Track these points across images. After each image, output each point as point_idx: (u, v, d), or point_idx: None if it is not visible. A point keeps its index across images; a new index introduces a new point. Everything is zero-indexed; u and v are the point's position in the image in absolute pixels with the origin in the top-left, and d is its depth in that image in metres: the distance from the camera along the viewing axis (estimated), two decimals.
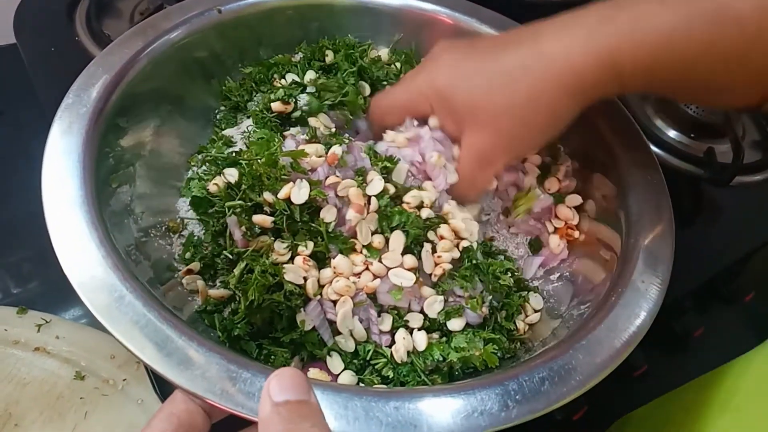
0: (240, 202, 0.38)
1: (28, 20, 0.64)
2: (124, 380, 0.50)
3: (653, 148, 0.61)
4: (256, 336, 0.37)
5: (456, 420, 0.29)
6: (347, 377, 0.37)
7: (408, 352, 0.37)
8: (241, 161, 0.40)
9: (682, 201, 0.59)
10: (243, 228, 0.38)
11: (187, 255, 0.40)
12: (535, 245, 0.47)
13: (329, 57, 0.52)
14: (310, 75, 0.51)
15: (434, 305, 0.39)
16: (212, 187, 0.40)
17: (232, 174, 0.39)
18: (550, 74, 0.38)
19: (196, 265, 0.39)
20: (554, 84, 0.38)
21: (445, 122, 0.42)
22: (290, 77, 0.51)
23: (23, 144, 0.67)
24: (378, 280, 0.38)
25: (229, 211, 0.38)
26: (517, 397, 0.31)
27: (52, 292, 0.57)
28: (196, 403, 0.29)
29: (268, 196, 0.38)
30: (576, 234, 0.47)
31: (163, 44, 0.45)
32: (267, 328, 0.37)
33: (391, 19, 0.54)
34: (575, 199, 0.48)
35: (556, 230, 0.47)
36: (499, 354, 0.38)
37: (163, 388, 0.44)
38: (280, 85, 0.50)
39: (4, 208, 0.63)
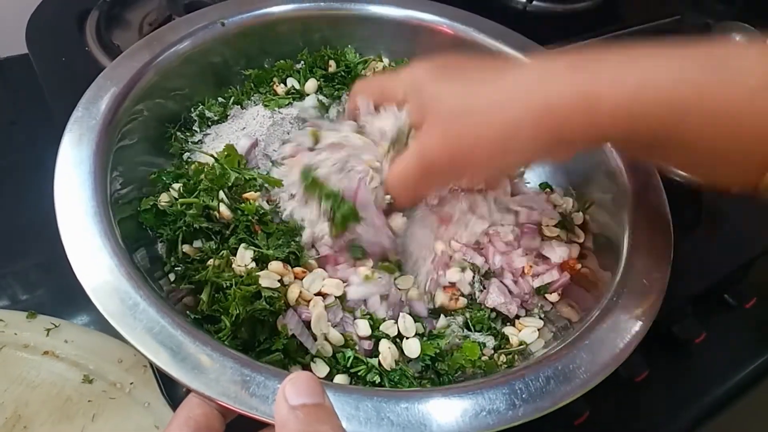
0: (195, 199, 0.39)
1: (40, 31, 0.65)
2: (131, 383, 0.51)
3: None
4: (244, 350, 0.37)
5: (465, 419, 0.30)
6: (342, 379, 0.37)
7: (396, 360, 0.38)
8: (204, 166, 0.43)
9: (683, 208, 0.59)
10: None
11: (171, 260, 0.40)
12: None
13: (332, 67, 0.53)
14: (312, 84, 0.52)
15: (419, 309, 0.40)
16: (162, 201, 0.41)
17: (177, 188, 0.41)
18: (522, 97, 0.36)
19: (170, 278, 0.40)
20: (522, 106, 0.36)
21: (412, 112, 0.41)
22: (290, 82, 0.52)
23: (34, 153, 0.69)
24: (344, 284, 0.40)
25: (183, 207, 0.40)
26: (523, 395, 0.32)
27: (60, 298, 0.58)
28: (211, 406, 0.29)
29: (224, 201, 0.40)
30: (578, 267, 0.46)
31: (170, 56, 0.46)
32: (251, 341, 0.37)
33: (392, 29, 0.55)
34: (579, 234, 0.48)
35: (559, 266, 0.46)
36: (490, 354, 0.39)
37: (170, 391, 0.45)
38: (278, 91, 0.51)
39: (15, 215, 0.64)
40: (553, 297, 0.45)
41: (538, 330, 0.43)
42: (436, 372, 0.39)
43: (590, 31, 0.76)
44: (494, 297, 0.44)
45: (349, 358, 0.38)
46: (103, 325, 0.54)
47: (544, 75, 0.37)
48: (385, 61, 0.56)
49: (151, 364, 0.46)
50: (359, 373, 0.37)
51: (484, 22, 0.56)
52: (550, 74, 0.37)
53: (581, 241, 0.48)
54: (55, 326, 0.53)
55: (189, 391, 0.43)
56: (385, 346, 0.38)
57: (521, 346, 0.42)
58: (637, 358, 0.49)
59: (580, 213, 0.49)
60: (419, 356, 0.39)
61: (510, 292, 0.45)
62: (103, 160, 0.38)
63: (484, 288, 0.45)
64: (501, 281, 0.45)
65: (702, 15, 0.86)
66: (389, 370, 0.37)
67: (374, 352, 0.39)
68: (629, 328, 0.36)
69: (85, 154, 0.38)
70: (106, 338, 0.53)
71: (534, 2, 0.80)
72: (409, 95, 0.42)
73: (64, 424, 0.48)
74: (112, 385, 0.51)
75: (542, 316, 0.45)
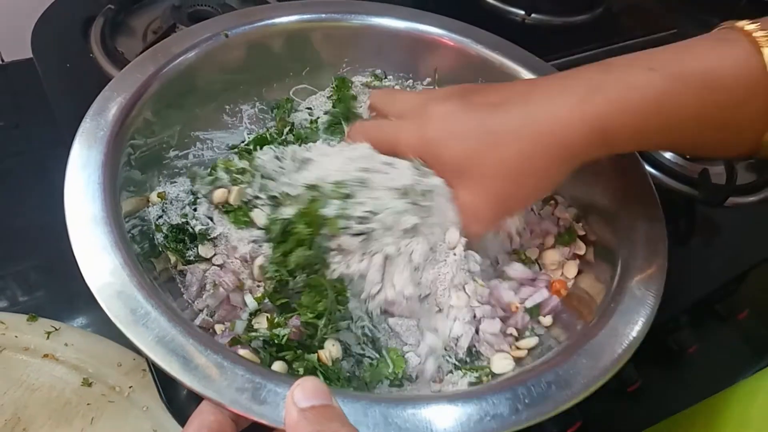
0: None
1: (45, 36, 0.66)
2: (130, 387, 0.51)
3: (649, 169, 0.63)
4: None
5: (470, 424, 0.31)
6: (278, 366, 0.37)
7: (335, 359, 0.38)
8: None
9: (677, 221, 0.61)
10: None
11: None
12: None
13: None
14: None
15: None
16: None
17: None
18: (539, 140, 0.38)
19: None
20: (544, 150, 0.39)
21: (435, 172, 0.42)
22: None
23: (36, 156, 0.69)
24: None
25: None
26: (526, 400, 0.32)
27: (59, 300, 0.58)
28: (224, 413, 0.30)
29: None
30: (564, 292, 0.46)
31: (174, 68, 0.47)
32: None
33: (393, 40, 0.56)
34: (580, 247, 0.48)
35: (551, 284, 0.46)
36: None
37: (169, 395, 0.45)
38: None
39: (15, 217, 0.65)
40: (547, 320, 0.45)
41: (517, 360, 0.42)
42: (361, 380, 0.38)
43: (589, 44, 0.77)
44: (488, 337, 0.43)
45: (284, 337, 0.37)
46: (103, 329, 0.55)
47: (550, 105, 0.39)
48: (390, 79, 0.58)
49: (151, 369, 0.47)
50: (287, 358, 0.37)
51: (484, 34, 0.56)
52: (558, 101, 0.39)
53: (582, 253, 0.48)
54: (56, 329, 0.54)
55: (189, 395, 0.43)
56: (330, 343, 0.38)
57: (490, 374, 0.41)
58: (630, 368, 0.50)
59: (580, 224, 0.50)
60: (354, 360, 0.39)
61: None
62: (113, 171, 0.39)
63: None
64: (491, 318, 0.43)
65: (699, 28, 0.87)
66: (329, 365, 0.37)
67: (312, 346, 0.39)
68: (627, 333, 0.37)
69: (94, 165, 0.38)
70: (106, 342, 0.54)
71: (533, 15, 0.81)
72: (427, 159, 0.42)
73: (63, 427, 0.48)
74: (111, 388, 0.51)
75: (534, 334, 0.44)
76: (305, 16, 0.54)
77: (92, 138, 0.40)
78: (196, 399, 0.39)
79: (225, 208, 0.45)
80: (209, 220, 0.45)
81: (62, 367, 0.52)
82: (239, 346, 0.38)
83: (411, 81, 0.58)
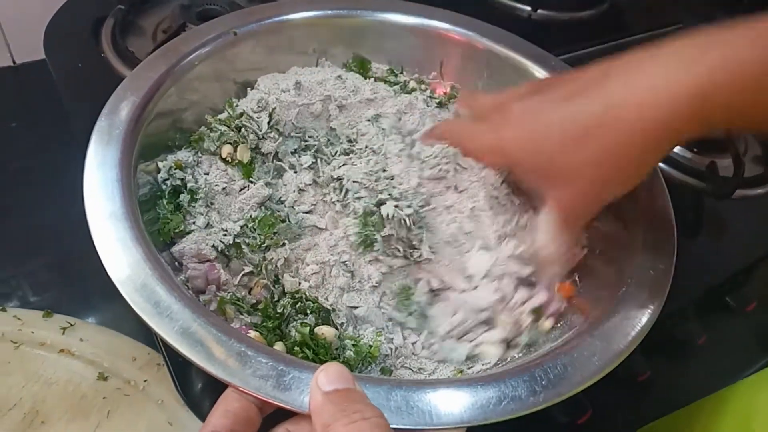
0: None
1: (57, 38, 0.67)
2: (145, 381, 0.52)
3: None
4: None
5: (489, 406, 0.32)
6: (279, 346, 0.39)
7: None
8: None
9: (685, 213, 0.61)
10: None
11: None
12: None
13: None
14: None
15: None
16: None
17: None
18: (623, 126, 0.36)
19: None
20: (630, 136, 0.36)
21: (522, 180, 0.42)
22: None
23: (48, 156, 0.70)
24: None
25: None
26: (543, 382, 0.33)
27: (71, 298, 0.59)
28: (249, 399, 0.31)
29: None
30: (570, 294, 0.45)
31: (185, 66, 0.48)
32: None
33: (402, 36, 0.57)
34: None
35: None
36: None
37: (184, 388, 0.46)
38: None
39: (28, 217, 0.65)
40: (548, 324, 0.43)
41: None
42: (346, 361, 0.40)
43: (594, 40, 0.78)
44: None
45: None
46: (116, 325, 0.56)
47: (648, 80, 0.36)
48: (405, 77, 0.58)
49: (167, 362, 0.47)
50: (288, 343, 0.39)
51: (490, 28, 0.57)
52: (654, 79, 0.36)
53: (584, 245, 0.48)
54: (71, 325, 0.55)
55: (204, 387, 0.44)
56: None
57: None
58: (640, 358, 0.50)
59: None
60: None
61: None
62: (130, 168, 0.40)
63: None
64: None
65: (704, 24, 0.87)
66: (330, 343, 0.39)
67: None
68: (639, 316, 0.38)
69: (111, 162, 0.39)
70: (121, 337, 0.55)
71: (539, 11, 0.82)
72: (510, 167, 0.41)
73: (80, 421, 0.49)
74: (126, 382, 0.52)
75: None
76: (312, 13, 0.55)
77: (108, 136, 0.41)
78: (211, 391, 0.40)
79: (234, 162, 0.47)
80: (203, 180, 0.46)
81: (78, 362, 0.53)
82: (244, 326, 0.39)
83: (417, 75, 0.59)
